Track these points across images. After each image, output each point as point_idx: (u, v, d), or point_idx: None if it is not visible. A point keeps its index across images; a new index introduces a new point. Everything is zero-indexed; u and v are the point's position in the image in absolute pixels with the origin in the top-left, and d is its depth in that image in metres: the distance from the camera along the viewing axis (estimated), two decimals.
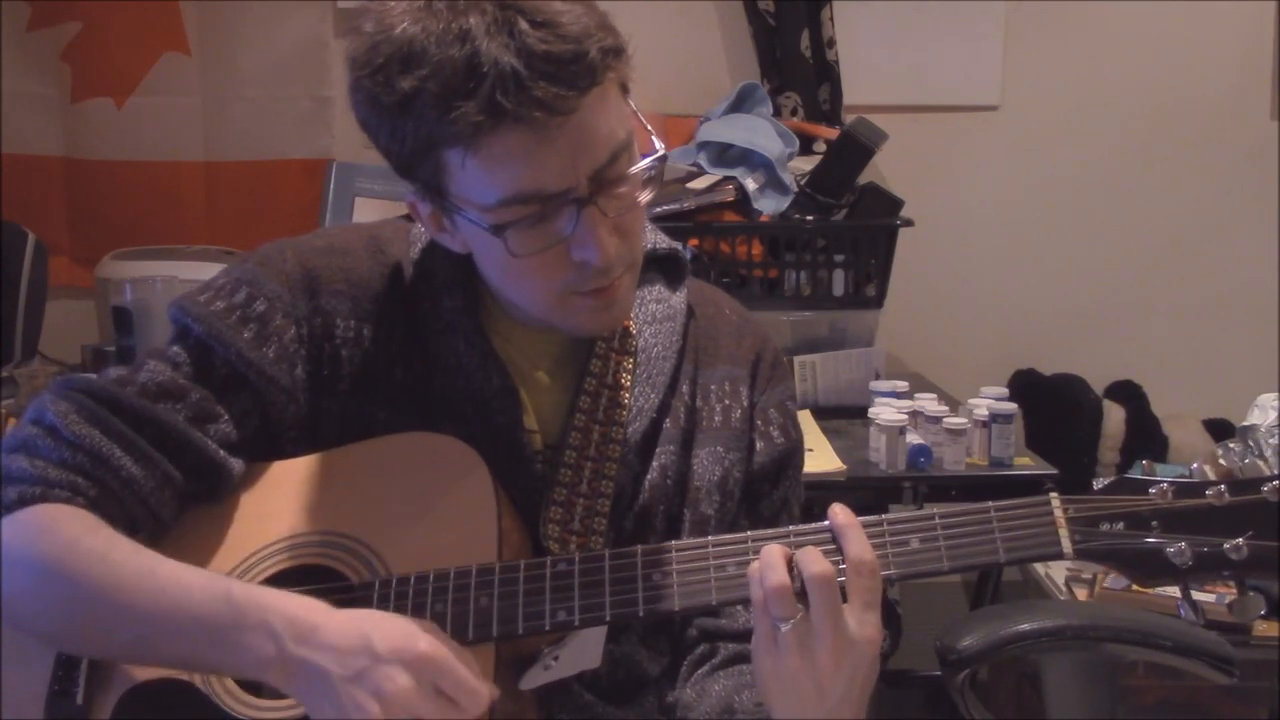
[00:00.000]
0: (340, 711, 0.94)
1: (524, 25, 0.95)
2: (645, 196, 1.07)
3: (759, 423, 1.23)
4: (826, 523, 1.02)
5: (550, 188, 1.00)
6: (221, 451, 1.11)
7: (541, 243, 1.03)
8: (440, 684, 0.95)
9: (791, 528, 1.04)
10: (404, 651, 0.95)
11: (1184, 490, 0.99)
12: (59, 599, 1.02)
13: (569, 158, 0.99)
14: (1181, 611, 1.01)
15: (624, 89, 1.05)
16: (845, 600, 0.99)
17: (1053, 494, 1.02)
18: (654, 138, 1.06)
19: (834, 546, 1.01)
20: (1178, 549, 0.97)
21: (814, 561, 0.99)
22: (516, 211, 1.01)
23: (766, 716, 1.04)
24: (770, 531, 1.03)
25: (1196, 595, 1.02)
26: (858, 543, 1.00)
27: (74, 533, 1.03)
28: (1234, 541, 0.96)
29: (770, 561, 0.99)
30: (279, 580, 1.07)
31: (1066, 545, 0.99)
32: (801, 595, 0.98)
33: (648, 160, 1.05)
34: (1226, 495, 0.97)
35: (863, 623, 0.98)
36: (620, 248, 1.05)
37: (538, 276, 1.06)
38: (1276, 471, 0.98)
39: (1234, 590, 1.00)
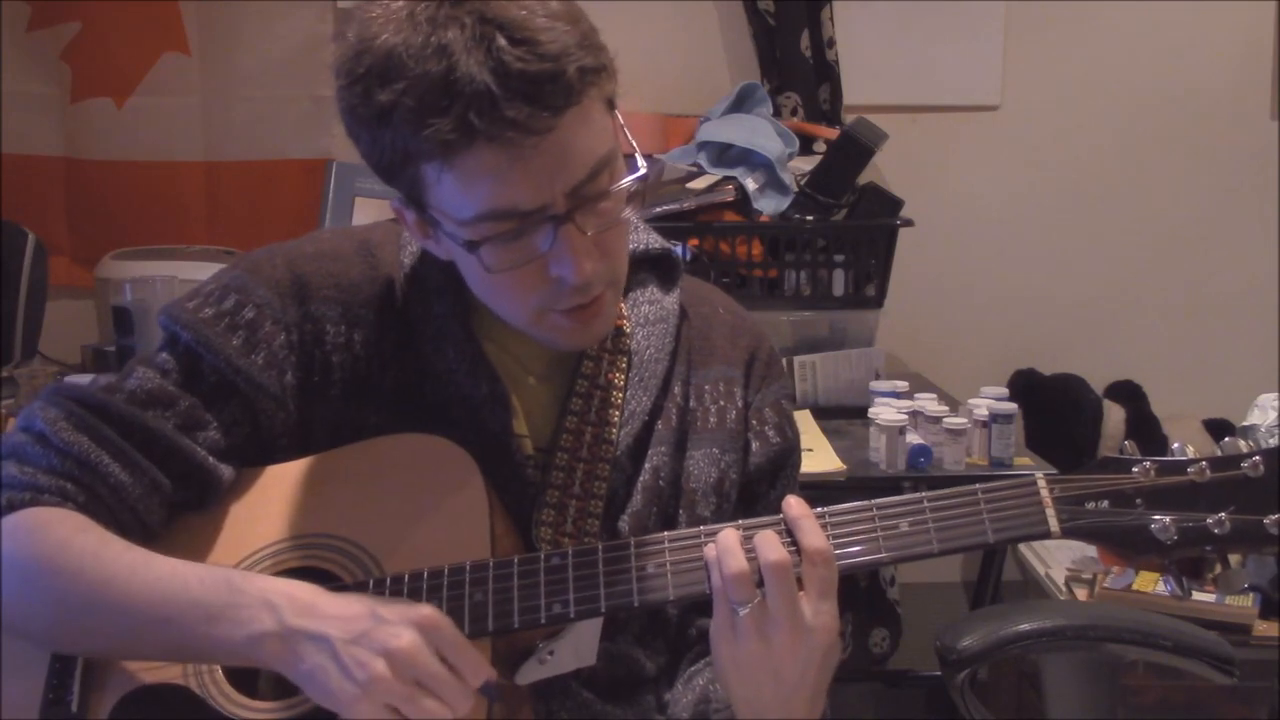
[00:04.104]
0: (342, 673, 0.93)
1: (502, 42, 0.94)
2: (628, 213, 1.06)
3: (754, 423, 1.23)
4: (780, 515, 1.04)
5: (525, 205, 0.99)
6: (210, 458, 1.10)
7: (518, 258, 1.02)
8: (443, 650, 0.95)
9: (765, 519, 1.04)
10: (409, 613, 0.96)
11: (1167, 468, 1.01)
12: (52, 597, 1.02)
13: (544, 176, 0.98)
14: (1168, 588, 1.02)
15: (610, 104, 1.03)
16: (801, 590, 1.00)
17: (1039, 474, 1.03)
18: (637, 154, 1.05)
19: (790, 540, 1.02)
20: (1162, 525, 0.99)
21: (771, 549, 1.00)
22: (492, 227, 1.00)
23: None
24: (755, 520, 1.04)
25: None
26: (812, 533, 1.01)
27: (65, 532, 1.03)
28: (1217, 516, 0.98)
29: (728, 547, 1.00)
30: None
31: (1053, 524, 1.01)
32: (758, 583, 1.00)
33: (630, 178, 1.04)
34: (1208, 472, 0.99)
35: (818, 611, 1.00)
36: (600, 265, 1.04)
37: (515, 292, 1.05)
38: (1256, 449, 0.99)
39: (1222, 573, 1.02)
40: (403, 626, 0.94)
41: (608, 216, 1.04)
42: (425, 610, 0.96)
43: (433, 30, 0.95)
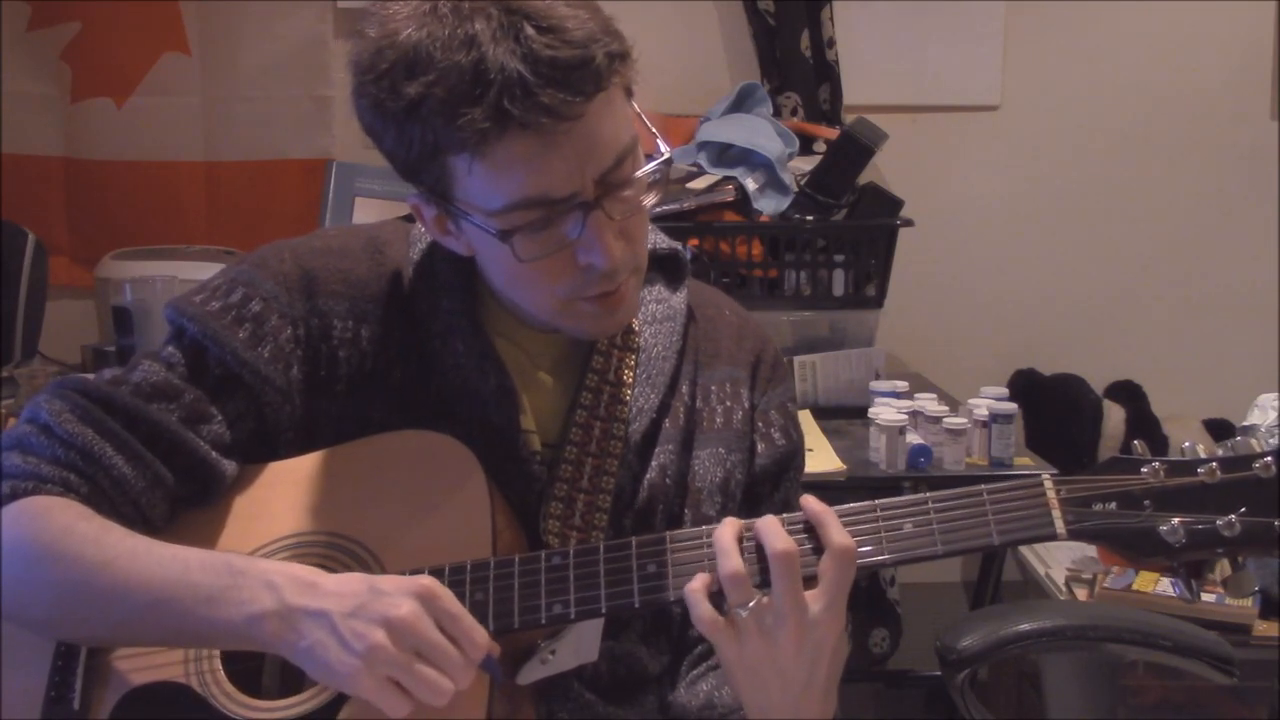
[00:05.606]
0: (341, 645, 0.93)
1: (530, 30, 0.95)
2: (650, 199, 1.07)
3: (760, 424, 1.23)
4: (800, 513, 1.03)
5: (556, 193, 1.00)
6: (214, 453, 1.10)
7: (547, 247, 1.03)
8: (442, 620, 0.95)
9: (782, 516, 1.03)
10: (408, 584, 0.96)
11: (1176, 469, 0.99)
12: (53, 583, 1.02)
13: (575, 163, 0.99)
14: (1176, 590, 1.01)
15: (628, 92, 1.05)
16: (816, 586, 0.99)
17: (1045, 475, 1.02)
18: (659, 140, 1.06)
19: (805, 535, 1.01)
20: (1170, 527, 0.97)
21: (777, 538, 0.99)
22: (522, 216, 1.01)
23: (743, 711, 1.05)
24: (767, 519, 1.03)
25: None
26: (838, 529, 1.00)
27: (67, 519, 1.03)
28: (1227, 518, 0.96)
29: (724, 548, 1.00)
30: None
31: (1059, 526, 0.99)
32: (760, 584, 0.99)
33: (653, 164, 1.05)
34: (1218, 473, 0.97)
35: (827, 608, 0.99)
36: (626, 252, 1.05)
37: (543, 281, 1.06)
38: (1268, 449, 0.97)
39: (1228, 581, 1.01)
40: (402, 596, 0.95)
41: (632, 203, 1.05)
42: (424, 580, 0.97)
43: (458, 23, 0.96)
